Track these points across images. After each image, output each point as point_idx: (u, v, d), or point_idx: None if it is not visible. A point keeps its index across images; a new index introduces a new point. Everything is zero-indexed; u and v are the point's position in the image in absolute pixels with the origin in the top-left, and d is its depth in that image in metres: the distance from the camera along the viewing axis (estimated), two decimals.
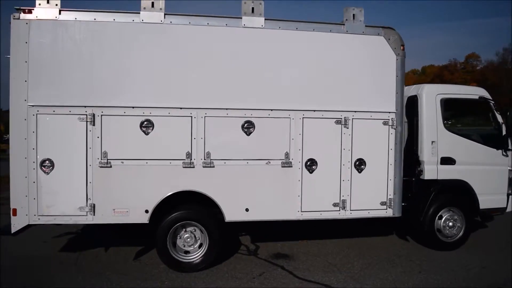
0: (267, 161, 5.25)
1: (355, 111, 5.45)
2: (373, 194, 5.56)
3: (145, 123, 4.97)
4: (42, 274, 5.08)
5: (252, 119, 5.20)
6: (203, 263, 5.25)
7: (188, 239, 5.28)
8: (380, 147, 5.54)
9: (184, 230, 5.26)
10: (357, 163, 5.47)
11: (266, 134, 5.25)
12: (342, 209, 5.47)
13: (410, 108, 6.07)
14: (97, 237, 6.50)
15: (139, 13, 4.96)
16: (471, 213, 6.19)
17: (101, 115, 4.90)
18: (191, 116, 5.06)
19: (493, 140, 6.21)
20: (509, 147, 6.22)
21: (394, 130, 5.54)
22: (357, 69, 5.46)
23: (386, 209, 5.60)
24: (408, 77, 38.47)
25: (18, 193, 4.79)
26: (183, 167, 5.05)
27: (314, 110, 5.35)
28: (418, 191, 6.02)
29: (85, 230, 6.72)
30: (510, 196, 6.33)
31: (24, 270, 5.20)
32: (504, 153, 6.26)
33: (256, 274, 5.20)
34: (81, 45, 4.83)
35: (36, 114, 4.77)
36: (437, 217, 6.07)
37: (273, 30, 5.25)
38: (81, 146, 4.88)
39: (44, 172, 4.81)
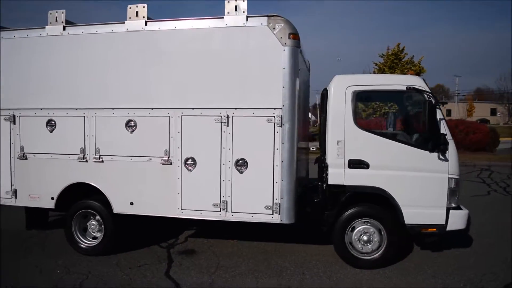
0: (149, 158, 5.27)
1: (235, 108, 5.01)
2: (257, 197, 5.00)
3: (50, 122, 5.57)
4: None
5: (135, 118, 5.30)
6: (100, 249, 5.55)
7: (93, 226, 5.66)
8: (265, 147, 4.95)
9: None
10: (238, 163, 5.02)
11: (147, 132, 5.28)
12: (223, 210, 5.08)
13: (321, 103, 5.22)
14: None
15: (44, 27, 5.58)
16: (395, 228, 4.96)
17: (20, 116, 5.68)
18: (84, 116, 5.45)
19: (427, 140, 4.85)
20: (447, 149, 4.76)
21: (280, 128, 4.88)
22: (239, 63, 5.01)
23: (272, 214, 4.96)
24: None
25: None
26: (78, 161, 5.47)
27: (193, 108, 5.13)
28: (324, 197, 5.13)
29: None
30: (451, 211, 4.83)
31: None
32: (441, 157, 4.82)
33: (136, 265, 5.26)
34: None
35: None
36: (349, 229, 5.06)
37: (154, 31, 5.25)
38: (6, 142, 5.74)
39: None
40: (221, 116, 5.03)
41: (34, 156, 5.65)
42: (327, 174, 5.04)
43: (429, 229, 4.85)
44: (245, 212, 5.05)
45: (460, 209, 4.96)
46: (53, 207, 5.62)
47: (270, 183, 4.94)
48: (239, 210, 5.06)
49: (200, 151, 5.14)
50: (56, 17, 5.54)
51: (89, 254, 5.56)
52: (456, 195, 4.86)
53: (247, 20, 4.96)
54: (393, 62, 25.35)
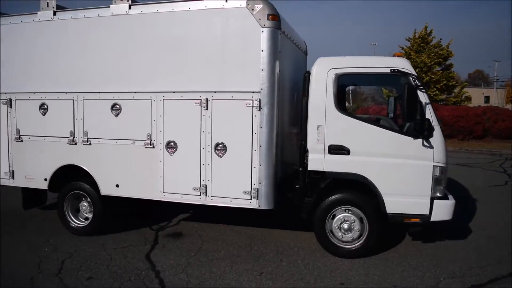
0: (133, 141, 5.30)
1: (215, 92, 4.92)
2: (235, 182, 4.92)
3: (43, 106, 5.71)
4: None
5: (119, 102, 5.33)
6: (90, 229, 5.70)
7: (84, 207, 5.81)
8: (243, 131, 4.84)
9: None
10: (217, 147, 4.95)
11: (131, 115, 5.30)
12: (203, 194, 5.06)
13: (303, 86, 5.03)
14: None
15: (36, 13, 5.68)
16: (377, 217, 4.74)
17: (16, 100, 5.86)
18: (73, 100, 5.54)
19: (411, 126, 4.56)
20: (431, 136, 4.46)
21: (258, 112, 4.76)
22: (218, 46, 4.89)
23: (251, 199, 4.87)
24: None
25: None
26: (68, 144, 5.60)
27: (174, 92, 5.09)
28: (304, 183, 4.97)
29: None
30: (435, 201, 4.55)
31: None
32: (426, 144, 4.52)
33: (121, 246, 5.35)
34: None
35: None
36: (329, 216, 4.89)
37: (137, 15, 5.21)
38: (4, 125, 5.95)
39: None
40: (201, 99, 4.96)
41: (29, 138, 5.82)
42: (307, 160, 4.87)
43: (412, 219, 4.61)
44: (224, 196, 4.99)
45: (447, 199, 4.66)
46: (47, 188, 5.80)
47: (249, 168, 4.84)
48: (218, 195, 5.01)
49: (181, 134, 5.10)
50: (48, 3, 5.61)
51: (79, 234, 5.72)
52: (442, 184, 4.57)
53: (226, 1, 4.81)
54: (420, 46, 24.23)
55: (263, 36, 4.67)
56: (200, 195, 5.06)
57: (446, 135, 21.06)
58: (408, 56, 25.01)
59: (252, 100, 4.75)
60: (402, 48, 25.62)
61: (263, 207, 4.85)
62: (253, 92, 4.75)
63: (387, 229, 5.04)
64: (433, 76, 23.79)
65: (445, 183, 4.62)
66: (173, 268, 4.62)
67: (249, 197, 4.87)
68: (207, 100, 4.94)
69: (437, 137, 4.52)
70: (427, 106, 4.52)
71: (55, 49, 5.58)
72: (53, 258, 4.93)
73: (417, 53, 24.28)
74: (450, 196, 4.77)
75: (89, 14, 5.41)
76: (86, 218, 5.82)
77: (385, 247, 5.18)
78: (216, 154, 4.95)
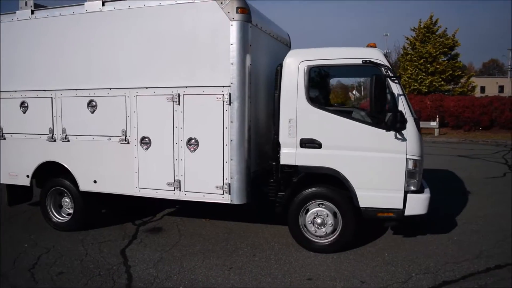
0: (109, 137, 5.29)
1: (186, 87, 4.86)
2: (208, 177, 4.87)
3: (24, 104, 5.73)
4: None
5: (95, 98, 5.31)
6: (72, 225, 5.74)
7: (66, 203, 5.85)
8: (215, 126, 4.77)
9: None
10: (190, 142, 4.89)
11: (106, 112, 5.29)
12: (177, 189, 5.02)
13: (275, 80, 4.92)
14: None
15: (15, 12, 5.68)
16: (351, 211, 4.63)
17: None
18: (51, 97, 5.55)
19: (384, 118, 4.42)
20: (403, 128, 4.31)
21: (229, 106, 4.68)
22: (189, 41, 4.82)
23: (223, 194, 4.82)
24: None
25: None
26: (48, 141, 5.62)
27: (147, 87, 5.04)
28: (277, 178, 4.88)
29: None
30: (409, 195, 4.41)
31: None
32: (399, 136, 4.38)
33: (100, 241, 5.37)
34: None
35: None
36: (303, 211, 4.80)
37: (110, 12, 5.17)
38: None
39: None
40: (172, 95, 4.91)
41: (11, 136, 5.87)
42: (279, 154, 4.78)
43: (385, 214, 4.48)
44: (197, 191, 4.95)
45: (422, 192, 4.51)
46: (29, 184, 5.85)
47: (220, 163, 4.78)
48: (191, 190, 4.97)
49: (155, 130, 5.07)
50: (26, 2, 5.61)
51: (61, 229, 5.76)
52: (416, 177, 4.42)
53: None
54: (425, 36, 23.66)
55: (232, 30, 4.58)
56: (174, 190, 5.03)
57: (452, 126, 20.74)
58: (413, 47, 24.50)
59: (223, 94, 4.67)
60: (407, 39, 25.06)
61: (236, 201, 4.79)
62: (223, 86, 4.67)
63: (369, 223, 4.91)
64: (438, 66, 23.22)
65: (419, 176, 4.47)
66: (145, 263, 4.61)
67: (221, 192, 4.81)
68: (178, 95, 4.88)
69: (410, 129, 4.37)
70: (400, 97, 4.37)
71: (34, 47, 5.59)
72: (30, 253, 4.97)
73: (422, 43, 23.70)
74: (426, 190, 4.62)
75: (64, 12, 5.39)
76: (69, 214, 5.86)
77: (363, 242, 5.07)
78: (189, 149, 4.90)
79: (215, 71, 4.70)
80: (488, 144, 16.76)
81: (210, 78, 4.73)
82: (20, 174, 5.87)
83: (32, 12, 5.57)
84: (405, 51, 25.38)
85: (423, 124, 20.90)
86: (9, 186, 6.16)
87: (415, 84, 23.58)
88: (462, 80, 24.00)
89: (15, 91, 5.76)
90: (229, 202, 4.81)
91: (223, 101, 4.68)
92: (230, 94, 4.64)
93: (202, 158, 4.86)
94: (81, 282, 4.17)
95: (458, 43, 23.21)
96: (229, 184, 4.76)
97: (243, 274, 4.27)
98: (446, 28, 23.61)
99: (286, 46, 6.53)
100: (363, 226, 5.46)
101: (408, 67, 24.22)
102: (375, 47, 4.71)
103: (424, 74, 23.55)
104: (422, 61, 23.40)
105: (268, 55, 5.54)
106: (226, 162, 4.75)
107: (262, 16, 5.31)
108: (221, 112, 4.71)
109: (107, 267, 4.52)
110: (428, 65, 23.35)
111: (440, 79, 23.14)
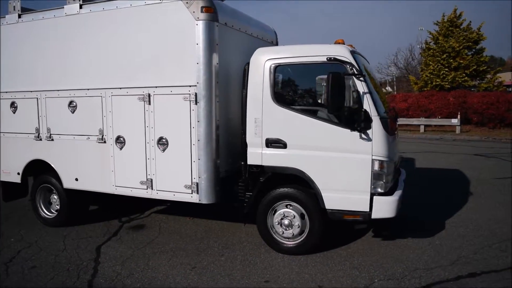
0: (87, 136, 5.40)
1: (156, 87, 4.87)
2: (177, 176, 4.86)
3: (13, 104, 5.96)
4: None
5: (75, 99, 5.43)
6: (58, 221, 5.92)
7: (54, 200, 6.03)
8: (183, 125, 4.75)
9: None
10: (160, 141, 4.90)
11: (85, 112, 5.39)
12: (150, 188, 5.05)
13: (243, 79, 4.82)
14: None
15: (5, 16, 5.91)
16: (318, 213, 4.47)
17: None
18: (37, 98, 5.73)
19: (348, 117, 4.22)
20: (368, 127, 4.10)
21: (196, 106, 4.64)
22: (159, 41, 4.82)
23: (191, 193, 4.80)
24: None
25: None
26: (35, 140, 5.81)
27: (120, 88, 5.10)
28: (245, 178, 4.79)
29: None
30: (375, 197, 4.20)
31: None
32: (363, 136, 4.17)
33: (81, 237, 5.50)
34: None
35: None
36: (271, 212, 4.70)
37: (87, 14, 5.26)
38: None
39: None
40: (143, 95, 4.93)
41: (3, 135, 6.12)
42: (246, 154, 4.69)
43: (351, 216, 4.29)
44: (168, 190, 4.96)
45: (391, 195, 4.29)
46: (19, 182, 6.07)
47: (188, 162, 4.76)
48: (163, 188, 4.98)
49: (128, 129, 5.12)
50: (14, 6, 5.81)
51: (50, 225, 5.96)
52: (382, 179, 4.20)
53: None
54: (448, 30, 22.59)
55: (198, 29, 4.53)
56: (147, 188, 5.06)
57: (476, 123, 19.79)
58: (435, 41, 23.47)
59: (189, 94, 4.64)
60: (430, 33, 24.03)
61: (204, 201, 4.75)
62: (189, 86, 4.64)
63: (348, 225, 4.72)
64: (461, 62, 22.09)
65: (387, 178, 4.24)
66: (114, 260, 4.67)
67: (190, 191, 4.79)
68: (149, 95, 4.90)
69: (376, 128, 4.15)
70: (365, 96, 4.16)
71: (22, 50, 5.79)
72: (13, 247, 5.17)
73: (446, 37, 22.63)
74: (396, 192, 4.39)
75: (47, 16, 5.55)
76: (57, 210, 6.03)
77: (337, 244, 4.91)
78: (159, 148, 4.91)
79: (182, 71, 4.67)
80: (510, 142, 15.79)
81: (178, 78, 4.71)
82: (12, 172, 6.11)
83: (19, 16, 5.77)
84: (427, 46, 24.33)
85: (443, 122, 20.03)
86: (4, 183, 6.42)
87: (437, 80, 22.57)
88: (489, 76, 22.73)
89: (6, 92, 5.99)
90: (197, 201, 4.78)
91: (190, 100, 4.65)
92: (196, 93, 4.60)
93: (172, 157, 4.86)
94: (48, 277, 4.28)
95: (484, 37, 21.97)
96: (197, 183, 4.73)
97: (203, 274, 4.23)
98: (470, 22, 22.43)
99: (271, 44, 6.40)
100: (342, 227, 5.31)
101: (430, 63, 23.20)
102: (343, 43, 4.51)
103: (447, 69, 22.49)
104: (445, 56, 22.34)
105: (244, 54, 5.41)
106: (194, 161, 4.72)
107: (236, 15, 5.23)
108: (188, 111, 4.68)
109: (78, 263, 4.61)
110: (451, 60, 22.27)
111: (464, 75, 22.01)
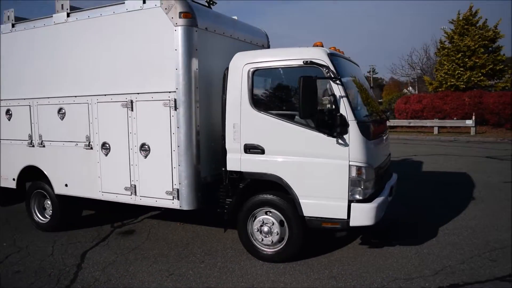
0: (75, 143, 5.48)
1: (138, 93, 4.90)
2: (159, 182, 4.86)
3: (8, 111, 6.12)
4: None
5: (64, 106, 5.53)
6: (51, 226, 6.03)
7: (48, 205, 6.15)
8: (163, 131, 4.76)
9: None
10: (143, 147, 4.92)
11: (73, 118, 5.48)
12: (133, 194, 5.07)
13: (223, 84, 4.78)
14: None
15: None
16: (298, 220, 4.37)
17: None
18: (30, 105, 5.86)
19: (325, 121, 4.11)
20: (345, 132, 3.98)
21: (175, 112, 4.64)
22: (140, 47, 4.85)
23: (173, 199, 4.79)
24: None
25: None
26: (28, 146, 5.95)
27: (105, 95, 5.15)
28: (226, 184, 4.74)
29: None
30: (352, 204, 4.06)
31: None
32: (340, 141, 4.05)
33: (70, 242, 5.58)
34: None
35: None
36: (251, 218, 4.63)
37: (73, 22, 5.34)
38: None
39: None
40: (126, 101, 4.97)
41: (0, 142, 6.28)
42: (226, 160, 4.65)
43: (330, 224, 4.18)
44: (150, 196, 4.97)
45: (370, 201, 4.15)
46: (15, 187, 6.21)
47: (169, 168, 4.75)
48: (145, 194, 5.00)
49: (113, 136, 5.16)
50: (8, 16, 5.98)
51: (43, 230, 6.07)
52: (360, 185, 4.07)
53: (144, 2, 4.74)
54: (464, 28, 21.93)
55: (176, 35, 4.53)
56: (131, 194, 5.08)
57: (493, 124, 19.23)
58: (450, 40, 22.84)
59: (169, 100, 4.64)
60: (445, 32, 23.41)
61: (184, 207, 4.73)
62: (169, 92, 4.64)
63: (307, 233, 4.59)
64: (477, 61, 21.38)
65: (365, 184, 4.11)
66: (96, 266, 4.70)
67: (171, 197, 4.78)
68: (131, 101, 4.93)
69: (353, 133, 4.03)
70: (342, 99, 4.05)
71: (16, 58, 5.95)
72: (3, 252, 5.28)
73: (461, 36, 21.98)
74: (376, 199, 4.24)
75: (37, 24, 5.67)
76: (50, 215, 6.14)
77: (320, 252, 4.80)
78: (142, 154, 4.93)
79: (162, 77, 4.67)
80: None
81: (158, 84, 4.72)
82: (8, 178, 6.26)
83: (13, 26, 5.92)
84: (442, 45, 23.69)
85: (457, 123, 19.44)
86: (1, 188, 6.58)
87: (452, 80, 21.93)
88: (507, 76, 21.91)
89: (2, 100, 6.16)
90: (178, 207, 4.77)
91: (170, 106, 4.65)
92: (175, 99, 4.60)
93: (153, 163, 4.87)
94: (29, 282, 4.35)
95: (501, 35, 21.21)
96: (178, 189, 4.72)
97: (178, 281, 4.20)
98: (486, 19, 21.69)
99: (262, 47, 6.34)
100: (329, 234, 5.20)
101: (445, 62, 22.58)
102: (321, 46, 4.41)
103: (462, 69, 21.82)
104: (460, 55, 21.69)
105: (230, 59, 5.39)
106: (174, 167, 4.71)
107: (219, 19, 5.21)
108: (168, 117, 4.68)
109: (60, 268, 4.67)
110: (467, 59, 21.60)
111: (480, 74, 21.30)
